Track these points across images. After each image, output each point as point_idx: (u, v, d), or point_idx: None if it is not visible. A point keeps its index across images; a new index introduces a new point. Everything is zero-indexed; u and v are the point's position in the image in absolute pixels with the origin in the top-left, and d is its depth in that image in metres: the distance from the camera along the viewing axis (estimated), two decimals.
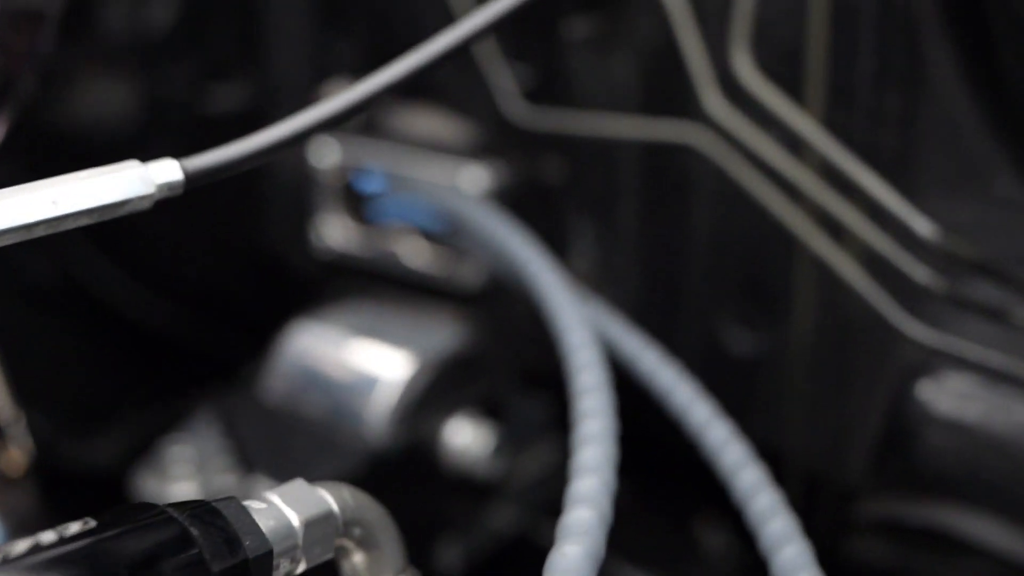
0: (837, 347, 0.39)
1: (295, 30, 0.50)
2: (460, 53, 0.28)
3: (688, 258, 0.42)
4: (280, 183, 0.52)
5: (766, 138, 0.35)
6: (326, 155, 0.49)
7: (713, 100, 0.36)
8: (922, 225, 0.30)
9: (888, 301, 0.35)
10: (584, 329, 0.32)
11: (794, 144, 0.36)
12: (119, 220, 0.59)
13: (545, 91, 0.43)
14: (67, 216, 0.22)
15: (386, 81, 0.27)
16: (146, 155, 0.56)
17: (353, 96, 0.26)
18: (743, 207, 0.40)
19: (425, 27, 0.46)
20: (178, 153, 0.54)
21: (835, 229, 0.36)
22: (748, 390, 0.42)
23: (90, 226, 0.61)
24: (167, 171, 0.24)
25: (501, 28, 0.28)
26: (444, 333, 0.43)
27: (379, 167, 0.48)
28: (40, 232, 0.22)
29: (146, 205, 0.24)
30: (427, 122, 0.47)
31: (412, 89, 0.47)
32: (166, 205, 0.57)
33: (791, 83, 0.35)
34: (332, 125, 0.26)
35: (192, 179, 0.24)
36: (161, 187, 0.24)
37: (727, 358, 0.43)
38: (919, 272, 0.34)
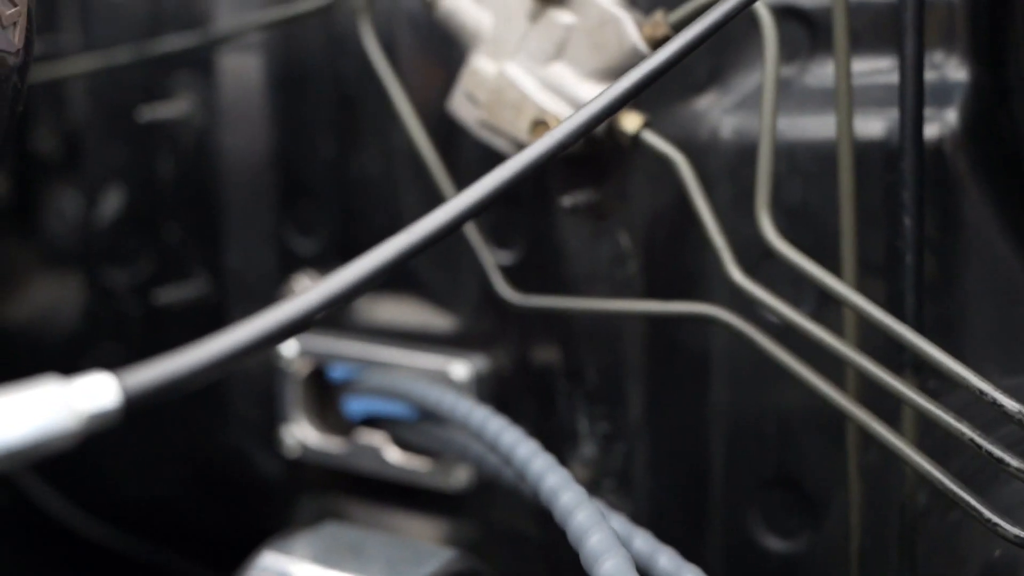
0: (895, 547, 0.34)
1: (254, 221, 0.46)
2: (443, 238, 0.23)
3: (711, 449, 0.37)
4: (243, 377, 0.47)
5: (797, 308, 0.31)
6: (293, 348, 0.45)
7: (733, 268, 0.32)
8: (1007, 400, 0.26)
9: (960, 486, 0.30)
10: (605, 530, 0.26)
11: (830, 313, 0.32)
12: None
13: (537, 273, 0.39)
14: None
15: (364, 272, 0.22)
16: (95, 354, 0.51)
17: (327, 290, 0.22)
18: (777, 379, 0.35)
19: (398, 218, 0.42)
20: (129, 351, 0.49)
21: (887, 406, 0.31)
22: None
23: None
24: (99, 393, 0.19)
25: (489, 207, 0.24)
26: (433, 561, 0.37)
27: (352, 359, 0.44)
28: None
29: (68, 445, 0.18)
30: (402, 311, 0.43)
31: (387, 282, 0.43)
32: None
33: (821, 250, 0.31)
34: (303, 326, 0.21)
35: (133, 402, 0.19)
36: (93, 419, 0.19)
37: (763, 560, 0.37)
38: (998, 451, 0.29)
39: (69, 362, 0.52)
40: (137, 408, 0.19)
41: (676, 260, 0.36)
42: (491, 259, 0.38)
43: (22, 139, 0.51)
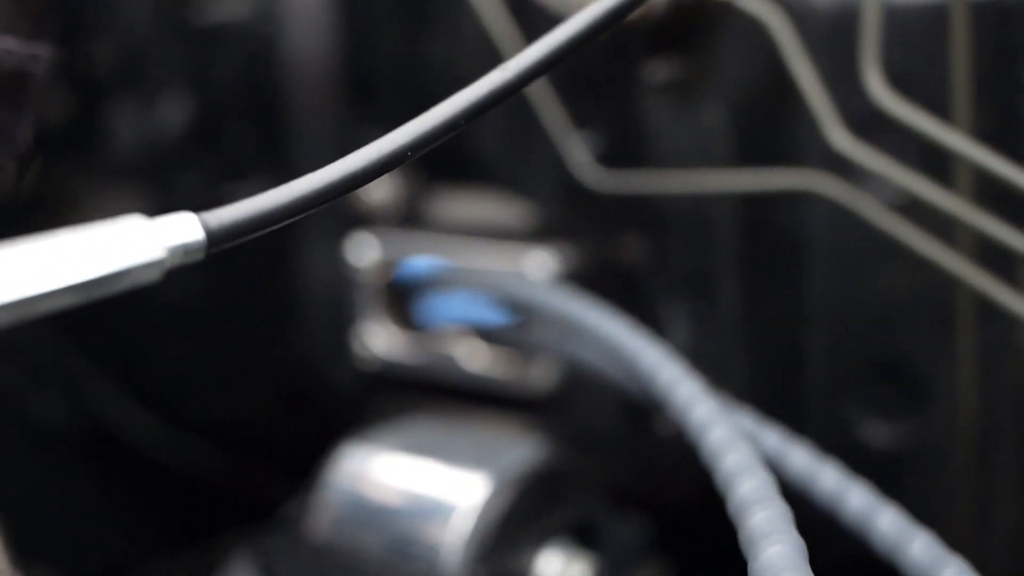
0: (1011, 433, 0.32)
1: (320, 121, 0.45)
2: (515, 92, 0.21)
3: (809, 336, 0.35)
4: (314, 286, 0.46)
5: (910, 169, 0.29)
6: (365, 252, 0.43)
7: (838, 133, 0.30)
8: None
9: None
10: (726, 421, 0.25)
11: (947, 170, 0.30)
12: (133, 345, 0.53)
13: (621, 153, 0.37)
14: (39, 297, 0.16)
15: (434, 123, 0.20)
16: (186, 271, 0.50)
17: (399, 138, 0.20)
18: (881, 259, 0.33)
19: None
20: (196, 263, 0.49)
21: (1006, 278, 0.29)
22: (900, 492, 0.35)
23: (101, 357, 0.55)
24: (183, 228, 0.18)
25: (560, 64, 0.22)
26: (519, 447, 0.36)
27: (427, 262, 0.42)
28: (3, 320, 0.16)
29: (154, 276, 0.17)
30: (478, 207, 0.41)
31: (457, 170, 0.42)
32: (181, 325, 0.51)
33: (936, 101, 0.29)
34: (377, 173, 0.20)
35: (215, 238, 0.18)
36: (175, 250, 0.17)
37: (866, 451, 0.35)
38: None
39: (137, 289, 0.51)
40: (219, 243, 0.18)
41: (772, 134, 0.34)
42: (572, 142, 0.36)
43: (76, 52, 0.50)
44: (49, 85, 0.26)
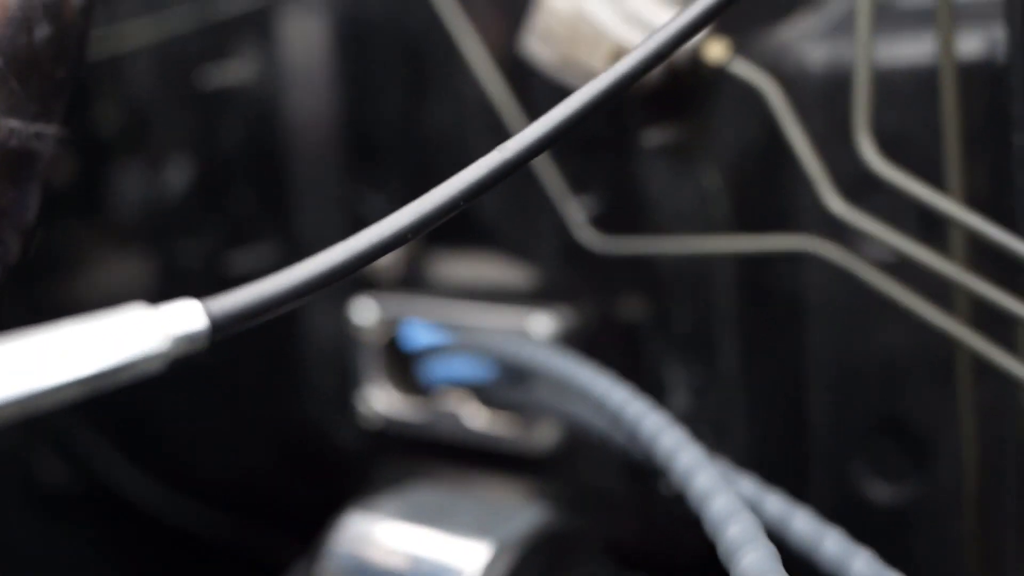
0: (1014, 489, 0.32)
1: (322, 184, 0.45)
2: (514, 171, 0.22)
3: (809, 396, 0.35)
4: (318, 348, 0.46)
5: (904, 231, 0.29)
6: (367, 314, 0.44)
7: (832, 197, 0.30)
8: None
9: None
10: (728, 490, 0.25)
11: (941, 231, 0.30)
12: (136, 405, 0.53)
13: (620, 216, 0.37)
14: (43, 393, 0.16)
15: (434, 205, 0.21)
16: None
17: (400, 220, 0.20)
18: (879, 318, 0.33)
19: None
20: None
21: (1001, 338, 0.29)
22: (906, 550, 0.34)
23: (104, 418, 0.55)
24: (186, 317, 0.18)
25: (558, 142, 0.22)
26: (522, 511, 0.36)
27: (428, 322, 0.42)
28: (7, 416, 0.16)
29: (157, 367, 0.17)
30: (479, 269, 0.42)
31: (457, 233, 0.42)
32: (185, 384, 0.51)
33: (928, 164, 0.30)
34: (378, 254, 0.20)
35: (219, 325, 0.18)
36: (179, 340, 0.18)
37: (871, 510, 0.35)
38: None
39: None
40: (223, 331, 0.18)
41: (767, 198, 0.34)
42: (571, 205, 0.37)
43: (83, 115, 0.50)
44: (56, 160, 0.26)
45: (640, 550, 0.39)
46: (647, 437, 0.28)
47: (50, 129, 0.27)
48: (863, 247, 0.32)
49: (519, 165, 0.21)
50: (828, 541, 0.27)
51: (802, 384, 0.35)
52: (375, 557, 0.34)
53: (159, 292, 0.51)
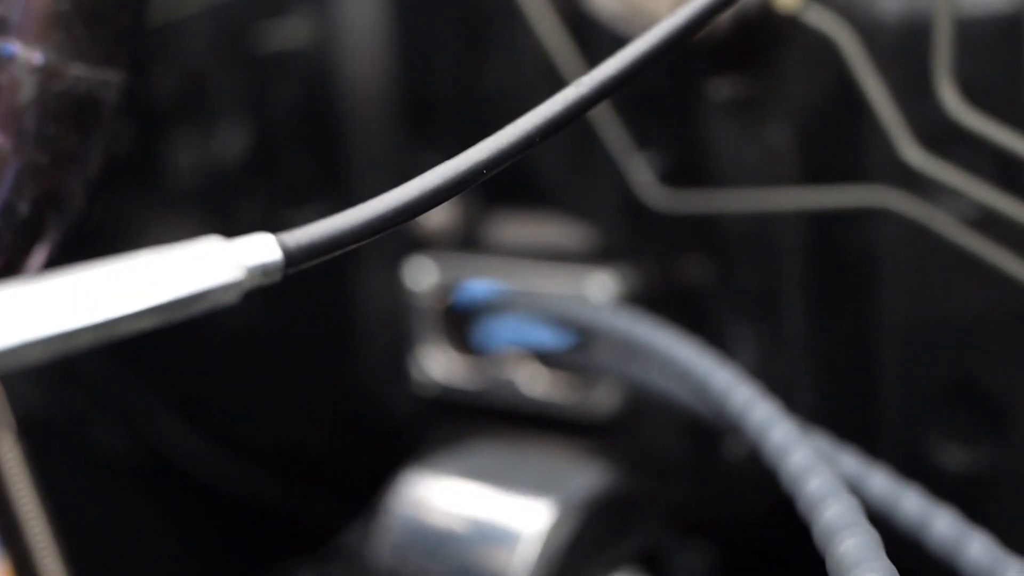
0: None
1: (378, 146, 0.45)
2: (590, 108, 0.21)
3: (880, 359, 0.34)
4: (373, 312, 0.46)
5: (984, 183, 0.28)
6: (423, 276, 0.43)
7: (910, 148, 0.29)
8: None
9: None
10: (809, 448, 0.24)
11: (1022, 183, 0.29)
12: (192, 372, 0.53)
13: (684, 172, 0.36)
14: (120, 320, 0.16)
15: (510, 141, 0.20)
16: (248, 296, 0.51)
17: (476, 155, 0.20)
18: (956, 277, 0.32)
19: None
20: (256, 289, 0.49)
21: None
22: (981, 519, 0.33)
23: (161, 384, 0.55)
24: (261, 249, 0.17)
25: (634, 79, 0.22)
26: (585, 473, 0.35)
27: (485, 285, 0.42)
28: (83, 343, 0.15)
29: (233, 297, 0.17)
30: (538, 229, 0.41)
31: (516, 193, 0.41)
32: (242, 350, 0.51)
33: (1012, 112, 0.28)
34: (453, 191, 0.20)
35: (293, 259, 0.18)
36: (253, 271, 0.17)
37: (942, 476, 0.34)
38: None
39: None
40: (297, 263, 0.17)
41: (839, 152, 0.33)
42: (634, 162, 0.36)
43: (138, 82, 0.50)
44: (120, 112, 0.26)
45: (702, 517, 0.39)
46: (718, 392, 0.27)
47: (115, 77, 0.26)
48: (941, 201, 0.31)
49: (595, 101, 0.21)
50: (908, 499, 0.26)
51: (873, 346, 0.34)
52: (435, 517, 0.34)
53: None
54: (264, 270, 0.17)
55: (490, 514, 0.33)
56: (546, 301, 0.38)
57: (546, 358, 0.41)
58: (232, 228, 0.49)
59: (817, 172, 0.33)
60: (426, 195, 0.19)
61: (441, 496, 0.34)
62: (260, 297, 0.50)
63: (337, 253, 0.18)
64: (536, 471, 0.35)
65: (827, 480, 0.22)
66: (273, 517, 0.54)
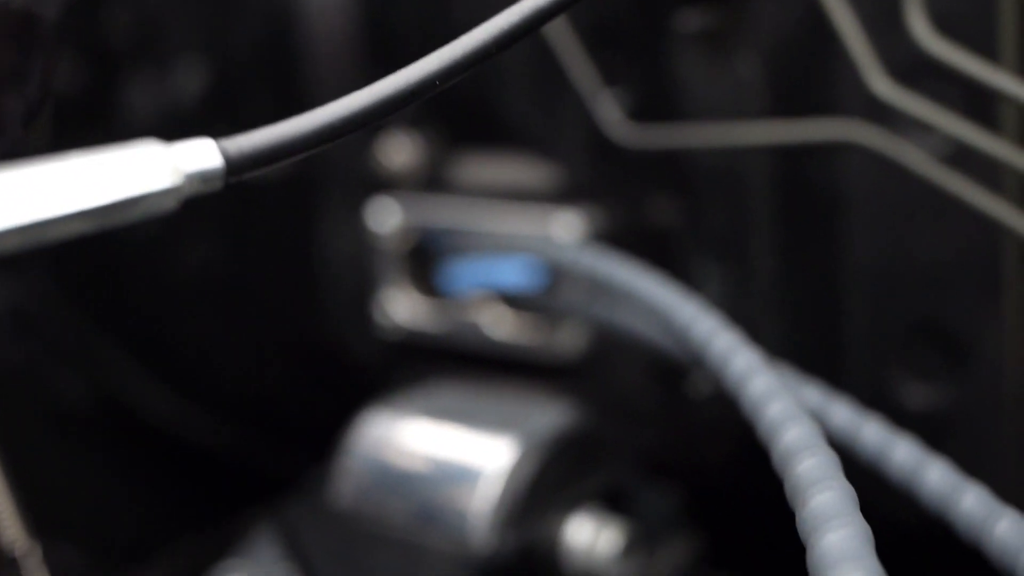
0: None
1: (340, 85, 0.44)
2: (552, 17, 0.20)
3: (847, 297, 0.34)
4: (335, 255, 0.45)
5: (957, 116, 0.28)
6: (387, 217, 0.42)
7: (879, 80, 0.29)
8: None
9: None
10: (771, 375, 0.23)
11: (992, 117, 0.28)
12: (152, 319, 0.52)
13: (652, 107, 0.35)
14: (50, 222, 0.15)
15: (465, 51, 0.19)
16: (180, 240, 0.49)
17: (428, 66, 0.19)
18: (924, 215, 0.32)
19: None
20: (214, 233, 0.48)
21: None
22: (940, 452, 0.33)
23: (120, 332, 0.54)
24: (201, 155, 0.17)
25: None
26: (548, 411, 0.35)
27: (450, 226, 0.41)
28: (10, 245, 0.15)
29: (170, 204, 0.16)
30: (503, 169, 0.40)
31: (481, 132, 0.41)
32: (201, 295, 0.50)
33: (982, 44, 0.28)
34: (404, 102, 0.19)
35: (235, 166, 0.17)
36: (192, 177, 0.16)
37: (906, 415, 0.34)
38: None
39: (156, 261, 0.51)
40: (238, 172, 0.17)
41: (809, 84, 0.33)
42: (600, 98, 0.35)
43: (91, 21, 0.49)
44: (63, 34, 0.25)
45: (667, 458, 0.39)
46: (682, 324, 0.27)
47: None
48: (911, 135, 0.30)
49: (553, 13, 0.20)
50: (868, 428, 0.26)
51: (839, 284, 0.34)
52: (396, 457, 0.33)
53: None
54: (204, 177, 0.16)
55: (452, 453, 0.33)
56: (511, 241, 0.38)
57: (511, 300, 0.40)
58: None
59: (786, 105, 0.33)
60: (376, 104, 0.18)
61: (402, 435, 0.34)
62: (220, 240, 0.49)
63: (283, 162, 0.17)
64: (499, 410, 0.34)
65: (787, 405, 0.22)
66: (236, 465, 0.53)
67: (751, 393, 0.23)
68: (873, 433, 0.26)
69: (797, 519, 0.18)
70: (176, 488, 0.57)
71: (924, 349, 0.34)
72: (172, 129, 0.49)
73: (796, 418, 0.21)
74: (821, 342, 0.35)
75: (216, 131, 0.47)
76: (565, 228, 0.38)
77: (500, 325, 0.41)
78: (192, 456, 0.55)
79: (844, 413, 0.26)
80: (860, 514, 0.18)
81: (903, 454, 0.25)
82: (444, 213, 0.41)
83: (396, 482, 0.33)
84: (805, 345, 0.35)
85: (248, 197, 0.46)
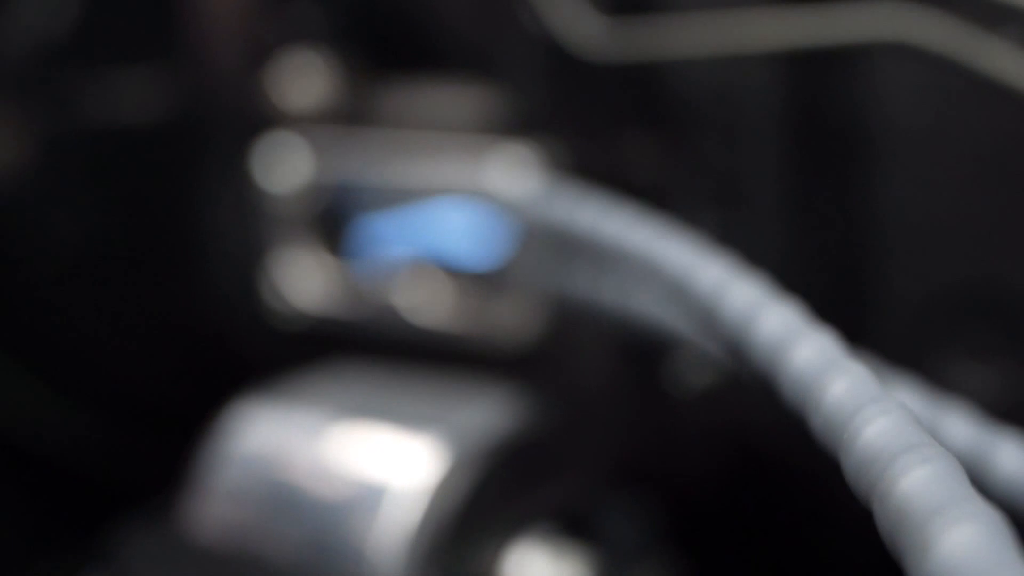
0: None
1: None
2: None
3: (878, 257, 0.26)
4: (217, 217, 0.36)
5: None
6: (284, 168, 0.33)
7: None
8: None
9: None
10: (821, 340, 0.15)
11: None
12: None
13: (624, 6, 0.27)
14: None
15: None
16: (54, 196, 0.40)
17: None
18: (991, 147, 0.24)
19: None
20: (92, 181, 0.39)
21: None
22: None
23: None
24: None
25: None
26: (489, 407, 0.26)
27: (367, 175, 0.32)
28: None
29: None
30: (431, 97, 0.32)
31: (402, 54, 0.32)
32: (52, 266, 0.41)
33: None
34: None
35: None
36: None
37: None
38: None
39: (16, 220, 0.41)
40: None
41: None
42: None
43: None
44: None
45: (641, 467, 0.30)
46: (708, 291, 0.18)
47: None
48: (993, 27, 0.23)
49: None
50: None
51: (870, 241, 0.26)
52: (277, 469, 0.24)
53: (44, 155, 0.40)
54: None
55: (352, 463, 0.24)
56: (445, 188, 0.29)
57: (446, 273, 0.32)
58: (62, 101, 0.38)
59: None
60: None
61: (283, 440, 0.24)
62: (70, 205, 0.39)
63: None
64: (421, 404, 0.25)
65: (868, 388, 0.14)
66: (98, 474, 0.43)
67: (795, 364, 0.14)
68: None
69: None
70: (30, 501, 0.47)
71: (977, 320, 0.26)
72: (39, 62, 0.40)
73: (885, 408, 0.13)
74: (845, 313, 0.27)
75: (82, 54, 0.38)
76: (515, 167, 0.29)
77: (431, 308, 0.32)
78: (49, 463, 0.45)
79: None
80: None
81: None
82: (359, 158, 0.32)
83: (273, 505, 0.23)
84: (825, 318, 0.27)
85: (124, 141, 0.37)
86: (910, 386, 0.20)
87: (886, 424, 0.13)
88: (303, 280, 0.34)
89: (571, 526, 0.25)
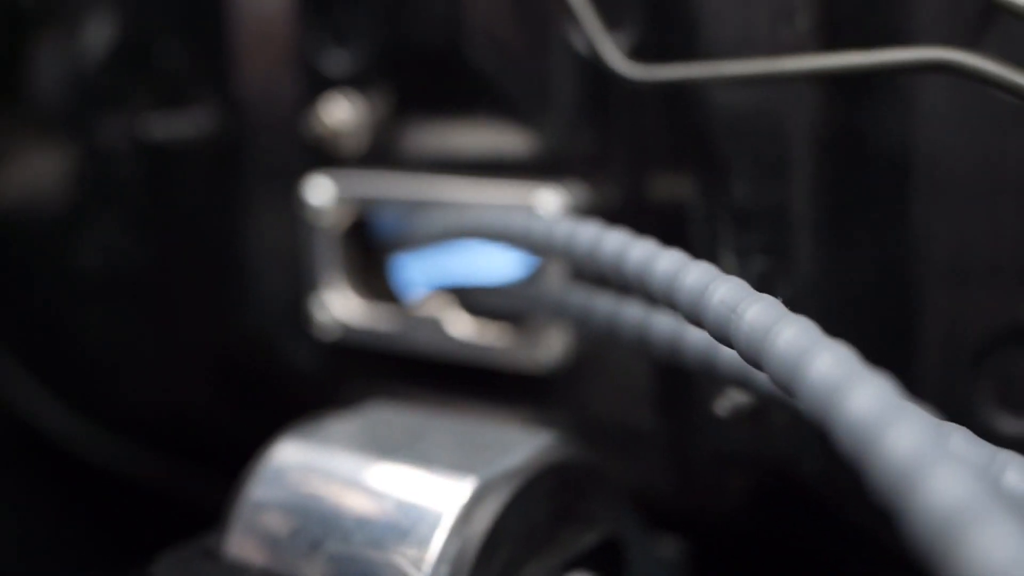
0: None
1: (273, 35, 0.35)
2: None
3: (919, 299, 0.26)
4: (265, 243, 0.37)
5: None
6: (324, 195, 0.34)
7: None
8: None
9: None
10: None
11: None
12: (50, 324, 0.43)
13: (661, 44, 0.27)
14: None
15: None
16: (95, 221, 0.41)
17: None
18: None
19: (457, 20, 0.31)
20: (130, 210, 0.39)
21: None
22: None
23: (15, 342, 0.45)
24: None
25: None
26: (517, 442, 0.26)
27: (405, 208, 0.33)
28: None
29: None
30: (465, 136, 0.32)
31: (437, 94, 0.32)
32: (107, 298, 0.41)
33: None
34: None
35: None
36: None
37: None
38: None
39: (53, 252, 0.43)
40: None
41: (866, 7, 0.25)
42: (596, 38, 0.27)
43: None
44: None
45: (671, 501, 0.30)
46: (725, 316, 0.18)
47: None
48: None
49: None
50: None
51: (909, 282, 0.26)
52: (313, 501, 0.24)
53: (81, 175, 0.41)
54: None
55: (385, 496, 0.24)
56: (467, 221, 0.29)
57: (473, 299, 0.32)
58: (103, 138, 0.39)
59: (837, 42, 0.24)
60: None
61: (320, 474, 0.25)
62: (127, 230, 0.40)
63: None
64: (450, 439, 0.26)
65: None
66: (151, 494, 0.44)
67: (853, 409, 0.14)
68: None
69: None
70: (87, 522, 0.48)
71: (1017, 365, 0.25)
72: (81, 95, 0.41)
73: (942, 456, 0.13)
74: (882, 352, 0.26)
75: (126, 90, 0.39)
76: (541, 204, 0.29)
77: (462, 325, 0.32)
78: (102, 483, 0.46)
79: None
80: None
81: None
82: (394, 191, 0.33)
83: (311, 536, 0.24)
84: (862, 352, 0.27)
85: (167, 168, 0.38)
86: (962, 435, 0.19)
87: (951, 480, 0.12)
88: (347, 296, 0.35)
89: (597, 562, 0.25)
